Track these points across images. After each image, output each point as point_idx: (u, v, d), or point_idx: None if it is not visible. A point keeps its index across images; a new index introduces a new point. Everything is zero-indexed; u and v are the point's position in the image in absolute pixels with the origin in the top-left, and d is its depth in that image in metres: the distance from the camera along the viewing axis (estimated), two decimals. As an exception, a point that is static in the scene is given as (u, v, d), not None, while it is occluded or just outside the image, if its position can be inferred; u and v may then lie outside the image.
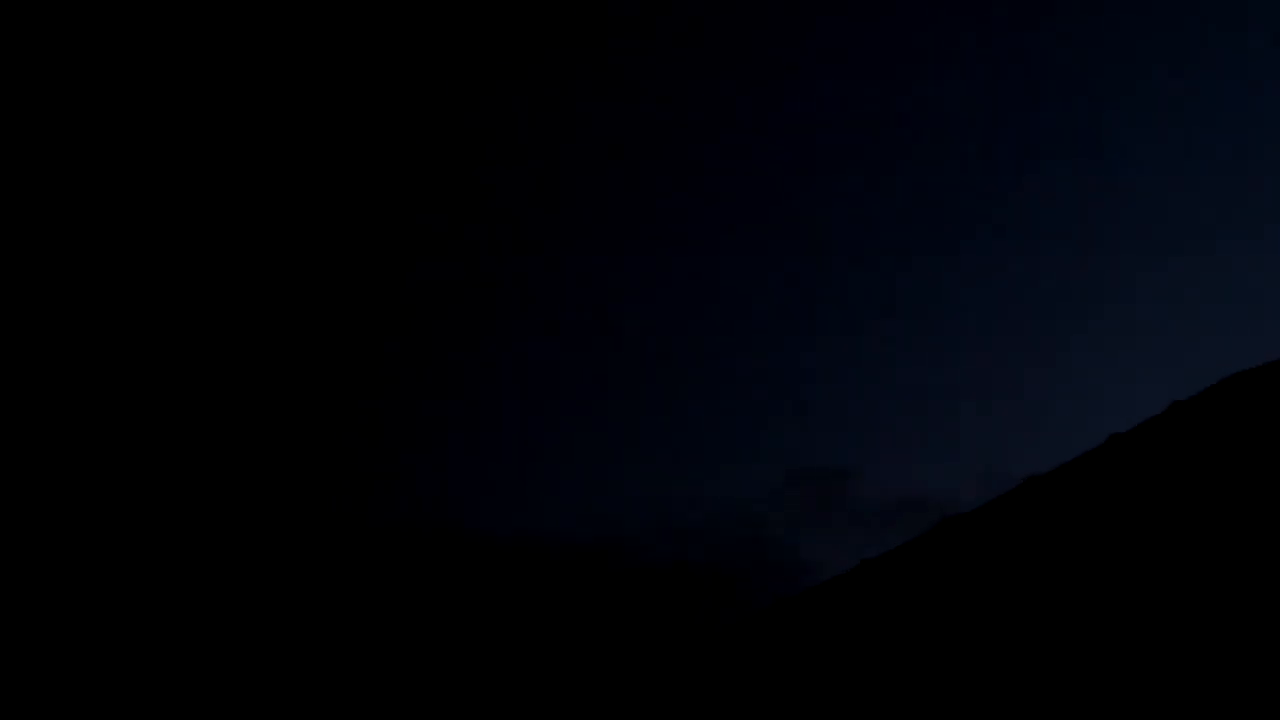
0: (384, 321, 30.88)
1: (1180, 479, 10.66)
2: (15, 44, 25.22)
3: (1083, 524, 10.91)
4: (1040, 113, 31.36)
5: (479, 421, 31.09)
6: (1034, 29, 30.35)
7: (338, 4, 28.76)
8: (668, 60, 30.76)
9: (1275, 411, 10.69)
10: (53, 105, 26.06)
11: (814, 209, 32.34)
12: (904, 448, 31.86)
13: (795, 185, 32.49)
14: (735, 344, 32.74)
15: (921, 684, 10.28)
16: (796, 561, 28.48)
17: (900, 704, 10.33)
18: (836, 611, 12.16)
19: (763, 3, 30.78)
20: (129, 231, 27.25)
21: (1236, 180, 29.81)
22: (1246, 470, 10.06)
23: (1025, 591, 10.53)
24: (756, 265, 33.18)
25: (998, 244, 31.86)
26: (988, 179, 31.92)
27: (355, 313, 30.17)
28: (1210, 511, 9.84)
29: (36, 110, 25.92)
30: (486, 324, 31.81)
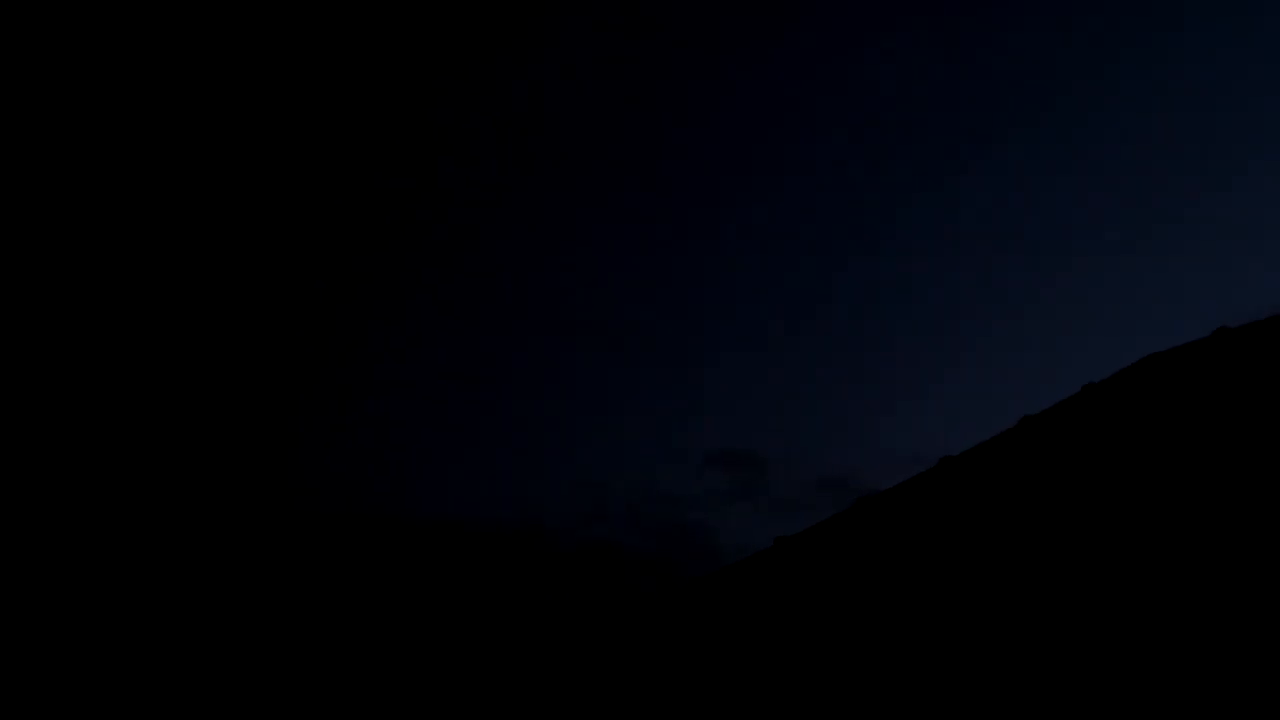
0: (322, 316, 30.73)
1: (1091, 459, 10.78)
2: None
3: (994, 502, 11.01)
4: (961, 114, 31.66)
5: (414, 411, 31.03)
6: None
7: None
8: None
9: (1185, 393, 10.84)
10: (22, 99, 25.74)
11: (738, 205, 32.51)
12: (822, 433, 32.11)
13: (720, 184, 32.65)
14: (655, 333, 32.87)
15: (836, 657, 10.35)
16: (716, 544, 28.65)
17: (816, 676, 10.40)
18: (753, 586, 12.21)
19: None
20: (94, 221, 26.94)
21: (1145, 172, 30.25)
22: (1157, 450, 10.19)
23: (939, 565, 10.62)
24: (679, 258, 33.32)
25: (916, 236, 32.15)
26: (906, 180, 32.18)
27: (296, 310, 30.01)
28: (1120, 490, 9.96)
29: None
30: (423, 318, 31.73)
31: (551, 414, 32.50)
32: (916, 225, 31.91)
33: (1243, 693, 7.75)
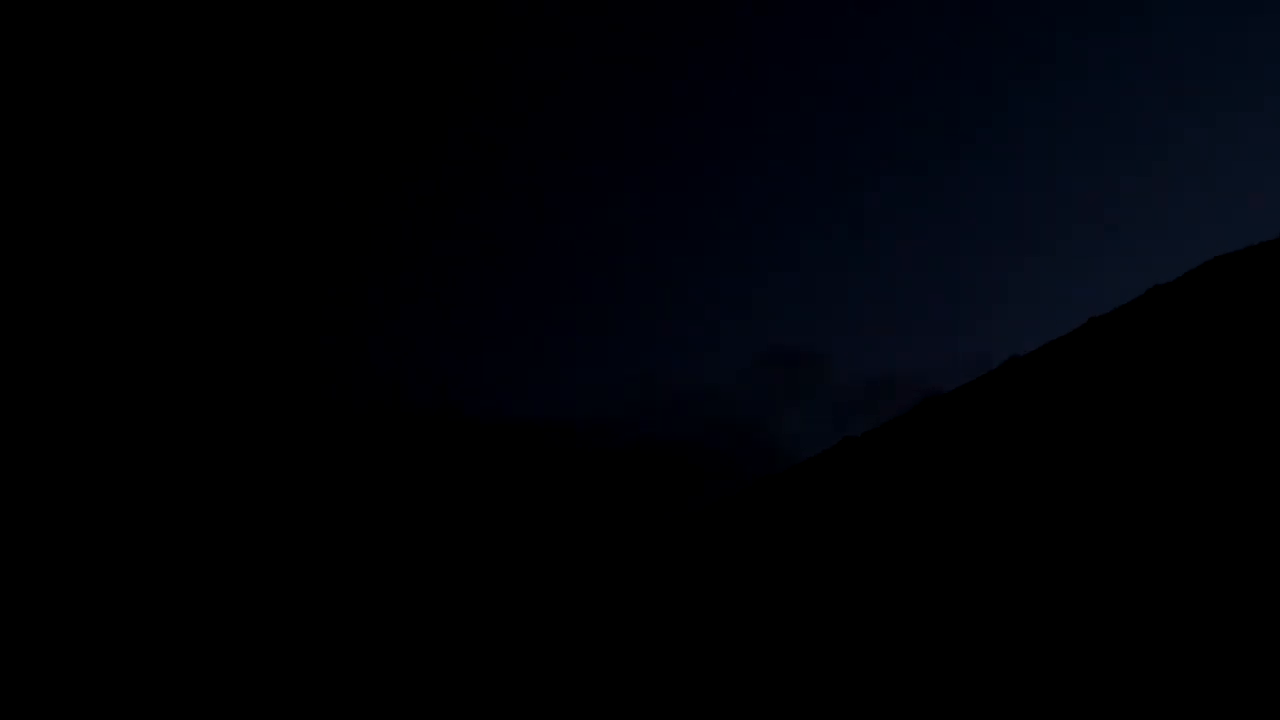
0: (371, 215, 30.85)
1: (1159, 361, 10.84)
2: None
3: (1061, 403, 11.09)
4: (1028, 33, 31.32)
5: (459, 309, 31.22)
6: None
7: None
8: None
9: (1254, 294, 10.88)
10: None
11: (797, 111, 32.40)
12: (878, 332, 32.20)
13: (778, 89, 32.54)
14: (706, 230, 32.89)
15: (904, 564, 10.50)
16: (770, 442, 28.84)
17: (884, 582, 10.55)
18: (819, 489, 12.35)
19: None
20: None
21: (1211, 78, 29.99)
22: (1224, 352, 10.25)
23: (1007, 471, 10.72)
24: (736, 158, 33.25)
25: (980, 140, 31.95)
26: (974, 92, 31.95)
27: (347, 206, 30.14)
28: (1188, 392, 10.03)
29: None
30: (468, 219, 31.81)
31: (607, 312, 32.64)
32: (985, 133, 31.82)
33: None
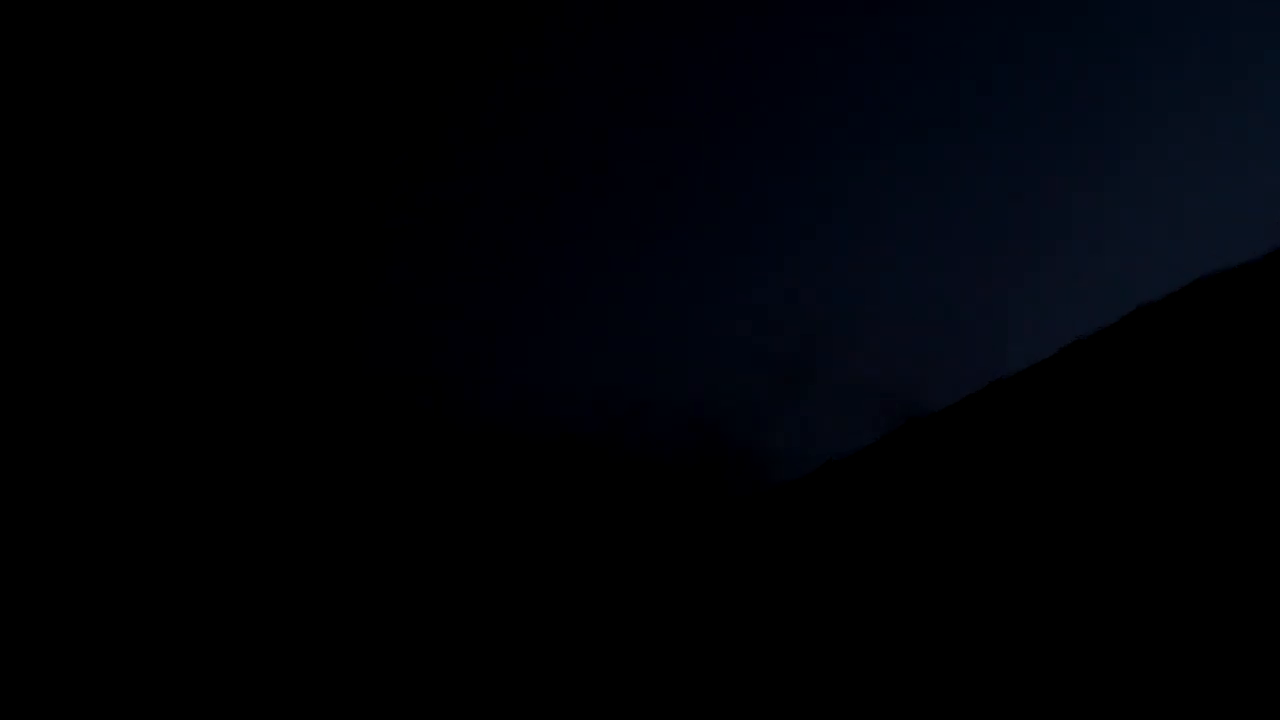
0: (384, 222, 30.68)
1: (1144, 382, 10.66)
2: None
3: (1045, 427, 10.91)
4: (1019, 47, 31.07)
5: (459, 314, 30.97)
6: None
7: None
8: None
9: (1241, 314, 10.68)
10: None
11: (790, 107, 32.08)
12: (865, 344, 31.94)
13: (765, 88, 32.20)
14: (696, 236, 32.61)
15: (885, 592, 10.34)
16: (762, 451, 28.61)
17: (868, 605, 10.40)
18: (801, 515, 12.19)
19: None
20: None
21: (1203, 102, 29.75)
22: (1210, 373, 10.07)
23: (990, 494, 10.56)
24: (732, 163, 32.97)
25: (972, 147, 31.69)
26: (973, 108, 31.71)
27: (366, 212, 30.02)
28: (1175, 412, 9.86)
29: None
30: (472, 226, 31.58)
31: (597, 319, 32.39)
32: (979, 150, 31.53)
33: None
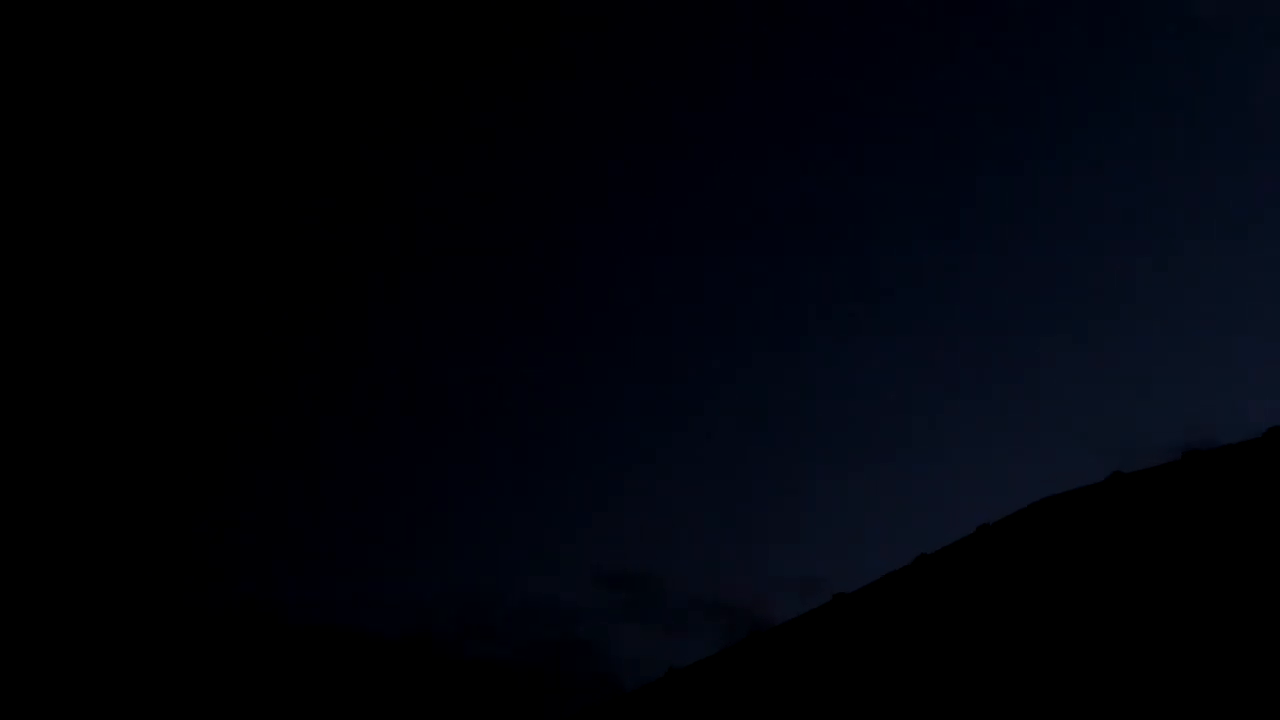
0: (207, 420, 30.24)
1: (986, 600, 10.74)
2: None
3: (887, 642, 10.92)
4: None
5: (297, 513, 30.42)
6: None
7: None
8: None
9: (1078, 537, 10.85)
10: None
11: (612, 333, 32.63)
12: (717, 557, 31.96)
13: (597, 300, 32.81)
14: (545, 446, 32.67)
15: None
16: (608, 661, 28.29)
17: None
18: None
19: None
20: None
21: (1038, 319, 30.86)
22: (1050, 593, 10.18)
23: (826, 706, 10.49)
24: (576, 375, 33.27)
25: (818, 369, 32.31)
26: (818, 316, 32.47)
27: (185, 408, 29.54)
28: (1013, 631, 9.92)
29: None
30: (306, 423, 31.25)
31: (442, 525, 32.10)
32: (819, 369, 32.18)
33: None
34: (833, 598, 11.56)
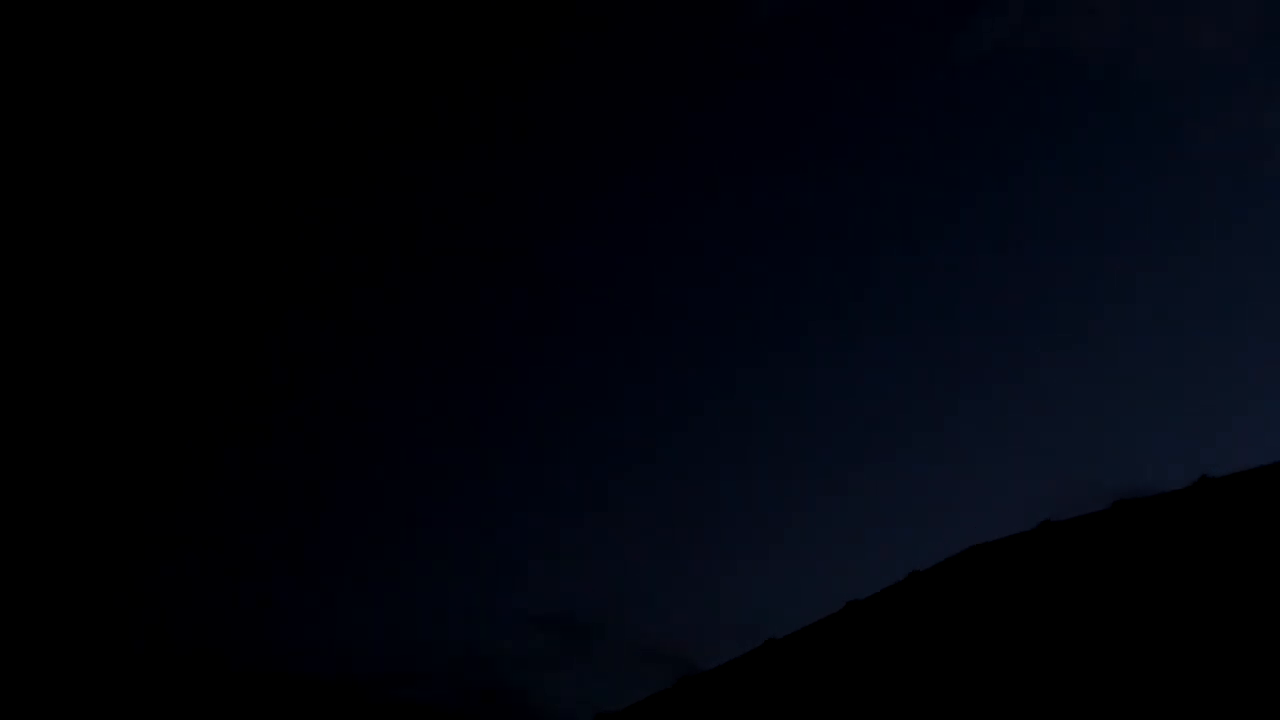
0: (132, 459, 29.84)
1: (916, 644, 10.71)
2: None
3: (817, 687, 10.87)
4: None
5: (226, 551, 30.02)
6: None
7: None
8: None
9: (1009, 582, 10.87)
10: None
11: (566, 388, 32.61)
12: (648, 603, 31.82)
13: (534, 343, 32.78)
14: (483, 493, 32.50)
15: None
16: (536, 709, 28.01)
17: None
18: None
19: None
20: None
21: (972, 370, 31.12)
22: (979, 638, 10.17)
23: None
24: (512, 417, 33.13)
25: (758, 416, 32.37)
26: (752, 365, 32.57)
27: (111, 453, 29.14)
28: (942, 674, 9.89)
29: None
30: (238, 463, 30.92)
31: (372, 568, 31.80)
32: (756, 411, 32.22)
33: None
34: (764, 643, 11.50)
